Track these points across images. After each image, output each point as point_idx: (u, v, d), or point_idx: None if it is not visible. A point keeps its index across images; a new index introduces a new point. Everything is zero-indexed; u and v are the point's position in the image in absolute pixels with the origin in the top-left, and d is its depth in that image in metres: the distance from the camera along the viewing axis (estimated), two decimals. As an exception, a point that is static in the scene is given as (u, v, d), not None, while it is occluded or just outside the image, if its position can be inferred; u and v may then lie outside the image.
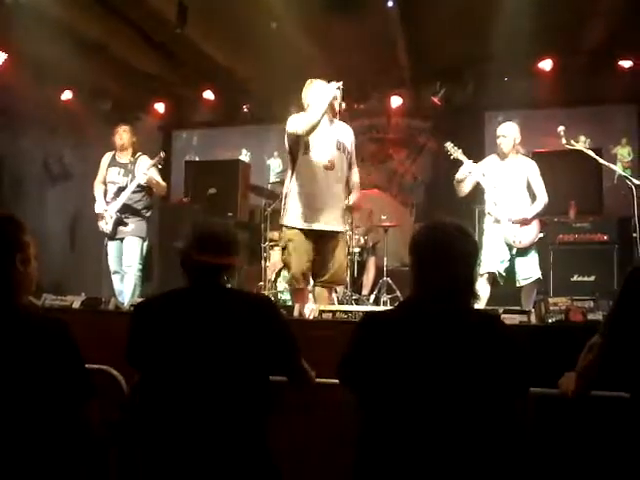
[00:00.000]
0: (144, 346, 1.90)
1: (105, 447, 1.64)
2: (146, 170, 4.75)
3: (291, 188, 3.85)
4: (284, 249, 3.87)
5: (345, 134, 3.97)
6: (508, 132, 4.47)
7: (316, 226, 3.76)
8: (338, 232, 3.87)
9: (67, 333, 1.67)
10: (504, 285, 4.39)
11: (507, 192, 4.39)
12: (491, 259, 4.24)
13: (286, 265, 3.96)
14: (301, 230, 3.76)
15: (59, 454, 1.59)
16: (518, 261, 4.36)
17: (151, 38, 6.03)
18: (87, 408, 1.66)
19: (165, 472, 1.78)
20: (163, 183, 5.00)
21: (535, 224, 4.38)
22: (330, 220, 3.79)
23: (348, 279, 5.38)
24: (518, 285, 4.37)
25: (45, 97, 6.24)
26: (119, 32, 5.78)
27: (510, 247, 4.35)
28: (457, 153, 4.54)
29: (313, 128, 3.71)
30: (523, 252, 4.36)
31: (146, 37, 6.00)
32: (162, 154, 4.95)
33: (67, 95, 6.65)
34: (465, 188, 4.49)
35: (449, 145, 4.60)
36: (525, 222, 4.34)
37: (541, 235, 4.48)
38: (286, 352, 1.96)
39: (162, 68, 6.68)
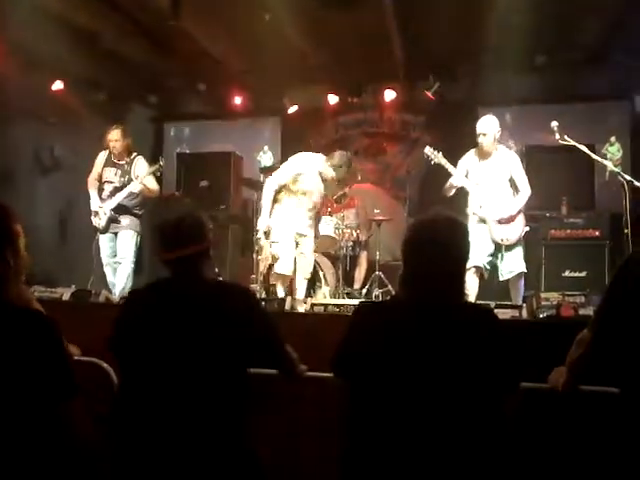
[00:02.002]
0: (125, 335, 1.92)
1: (93, 443, 1.60)
2: (142, 179, 4.85)
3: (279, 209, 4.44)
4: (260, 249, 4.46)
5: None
6: (488, 129, 4.37)
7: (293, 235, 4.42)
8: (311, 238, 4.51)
9: (53, 331, 1.62)
10: (493, 279, 4.41)
11: (491, 190, 4.37)
12: (477, 253, 4.23)
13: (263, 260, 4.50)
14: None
15: (38, 453, 1.55)
16: (504, 255, 4.37)
17: (144, 29, 5.97)
18: (69, 407, 1.61)
19: (143, 463, 1.78)
20: (156, 188, 5.05)
21: (520, 219, 4.39)
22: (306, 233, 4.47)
23: (340, 273, 5.41)
24: (501, 279, 4.39)
25: (36, 87, 6.17)
26: (112, 22, 5.73)
27: (497, 244, 4.35)
28: (438, 157, 4.49)
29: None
30: (509, 247, 4.37)
31: (139, 28, 5.94)
32: (161, 162, 5.02)
33: (58, 85, 6.58)
34: (451, 192, 4.53)
35: (428, 150, 4.55)
36: (511, 219, 4.34)
37: (527, 229, 4.49)
38: (269, 341, 1.95)
39: (155, 59, 6.63)
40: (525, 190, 4.39)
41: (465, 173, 4.47)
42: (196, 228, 1.98)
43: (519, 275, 4.40)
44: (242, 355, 1.86)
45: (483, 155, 4.44)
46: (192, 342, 1.80)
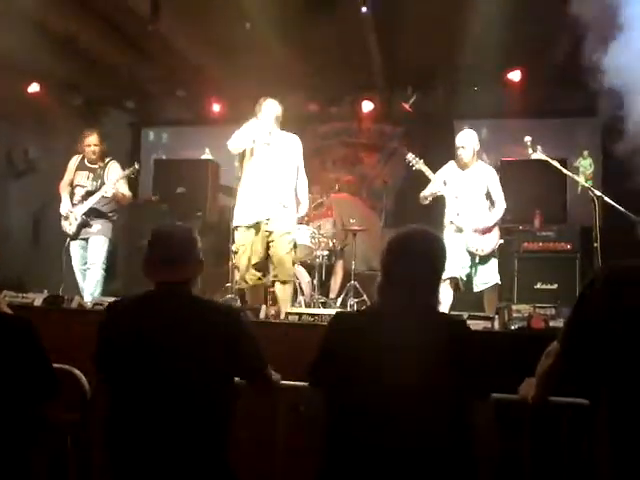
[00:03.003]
0: (111, 350, 1.87)
1: (65, 446, 1.60)
2: (115, 183, 4.77)
3: (239, 192, 4.19)
4: (236, 252, 4.22)
5: (289, 145, 4.21)
6: (467, 142, 4.48)
7: (255, 219, 4.02)
8: (281, 231, 4.10)
9: (31, 332, 1.63)
10: (467, 291, 4.47)
11: (468, 202, 4.45)
12: (453, 265, 4.28)
13: (236, 267, 4.30)
14: (247, 227, 4.06)
15: (20, 451, 1.54)
16: (478, 267, 4.44)
17: (123, 33, 5.94)
18: (51, 406, 1.62)
19: (128, 474, 1.77)
20: (129, 194, 4.98)
21: (495, 231, 4.48)
22: (270, 218, 4.04)
23: (316, 282, 5.42)
24: (476, 290, 4.46)
25: (11, 89, 6.08)
26: (90, 26, 5.68)
27: (472, 254, 4.43)
28: (419, 164, 4.58)
29: (237, 151, 4.17)
30: (484, 258, 4.44)
31: (118, 32, 5.90)
32: (136, 165, 4.97)
33: (34, 88, 6.50)
34: (427, 200, 4.58)
35: (410, 156, 4.63)
36: (487, 230, 4.43)
37: (501, 241, 4.58)
38: (253, 364, 1.96)
39: (133, 64, 6.59)
40: (501, 204, 4.50)
41: (443, 182, 4.54)
42: (194, 247, 1.93)
43: (493, 287, 4.47)
44: (228, 374, 1.86)
45: (462, 167, 4.52)
46: (180, 360, 1.78)
